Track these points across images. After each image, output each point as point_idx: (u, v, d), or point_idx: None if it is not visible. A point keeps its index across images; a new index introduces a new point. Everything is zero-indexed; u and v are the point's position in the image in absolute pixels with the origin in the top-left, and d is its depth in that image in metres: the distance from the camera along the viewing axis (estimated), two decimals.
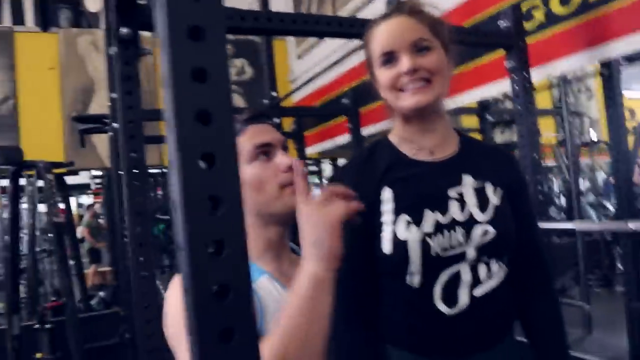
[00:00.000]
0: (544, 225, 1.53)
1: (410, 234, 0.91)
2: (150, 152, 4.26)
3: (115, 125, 2.74)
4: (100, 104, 4.39)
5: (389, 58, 0.96)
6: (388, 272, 0.95)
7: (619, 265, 6.09)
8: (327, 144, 4.44)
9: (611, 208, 7.27)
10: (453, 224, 0.93)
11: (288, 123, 3.89)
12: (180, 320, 0.79)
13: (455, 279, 0.92)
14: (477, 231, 0.93)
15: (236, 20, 1.42)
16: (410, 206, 0.94)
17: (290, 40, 4.75)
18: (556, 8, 2.20)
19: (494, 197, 0.98)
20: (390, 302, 0.97)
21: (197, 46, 0.39)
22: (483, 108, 4.17)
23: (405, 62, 0.93)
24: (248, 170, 0.92)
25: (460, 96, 2.84)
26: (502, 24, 1.94)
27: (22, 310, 3.56)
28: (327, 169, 8.04)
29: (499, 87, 2.52)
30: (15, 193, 3.44)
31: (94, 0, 6.44)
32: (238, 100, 4.78)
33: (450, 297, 0.92)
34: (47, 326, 3.46)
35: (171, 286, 0.89)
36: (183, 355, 0.82)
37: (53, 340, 3.48)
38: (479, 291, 0.93)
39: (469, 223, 0.94)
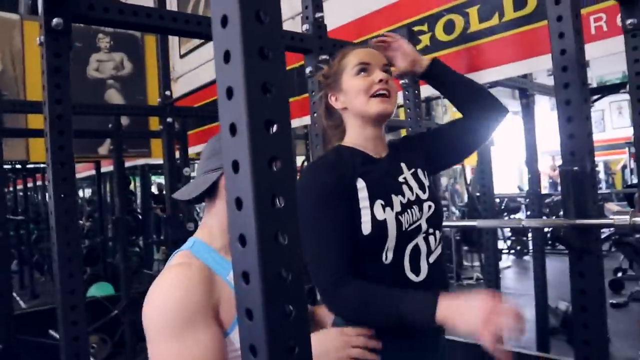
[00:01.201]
0: (448, 223, 1.72)
1: (387, 215, 1.08)
2: (17, 147, 3.93)
3: None
4: None
5: (365, 68, 1.16)
6: (366, 252, 1.08)
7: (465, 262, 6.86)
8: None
9: (454, 210, 8.15)
10: (410, 203, 1.13)
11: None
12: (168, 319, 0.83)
13: (416, 251, 1.11)
14: (425, 206, 1.15)
15: (128, 15, 1.43)
16: (381, 193, 1.10)
17: (174, 37, 4.65)
18: (440, 35, 2.47)
19: (424, 179, 1.21)
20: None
21: (263, 64, 0.46)
22: None
23: (378, 74, 1.15)
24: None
25: None
26: None
27: None
28: None
29: None
30: None
31: None
32: (116, 97, 4.56)
33: (414, 267, 1.10)
34: None
35: (162, 276, 0.91)
36: (158, 352, 0.85)
37: None
38: (431, 258, 1.13)
39: (419, 201, 1.15)
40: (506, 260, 7.31)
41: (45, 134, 1.31)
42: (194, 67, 4.50)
